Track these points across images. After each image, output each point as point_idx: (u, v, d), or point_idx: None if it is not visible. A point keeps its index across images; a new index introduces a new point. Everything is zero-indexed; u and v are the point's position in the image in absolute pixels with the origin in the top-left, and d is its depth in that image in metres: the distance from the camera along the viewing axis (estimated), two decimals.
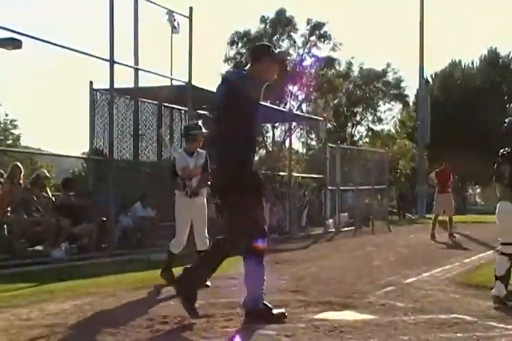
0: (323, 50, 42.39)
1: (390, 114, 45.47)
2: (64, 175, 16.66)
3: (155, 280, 7.61)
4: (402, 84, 44.52)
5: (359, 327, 4.80)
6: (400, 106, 45.04)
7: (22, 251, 9.59)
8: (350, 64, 43.74)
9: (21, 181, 11.16)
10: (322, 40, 41.97)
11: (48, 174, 11.90)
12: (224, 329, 4.70)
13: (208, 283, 6.67)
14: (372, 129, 45.36)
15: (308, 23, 41.79)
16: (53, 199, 11.02)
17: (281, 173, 19.93)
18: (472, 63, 45.24)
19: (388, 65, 44.35)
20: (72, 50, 10.21)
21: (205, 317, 5.14)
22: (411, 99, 44.18)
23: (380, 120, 45.40)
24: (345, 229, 18.42)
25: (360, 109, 45.13)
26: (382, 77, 44.25)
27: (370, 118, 45.59)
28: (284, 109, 22.84)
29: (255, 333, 4.59)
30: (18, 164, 11.42)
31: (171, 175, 7.50)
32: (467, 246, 12.83)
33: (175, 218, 7.58)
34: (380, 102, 45.08)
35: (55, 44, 9.87)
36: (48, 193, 11.18)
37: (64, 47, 10.07)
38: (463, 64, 45.51)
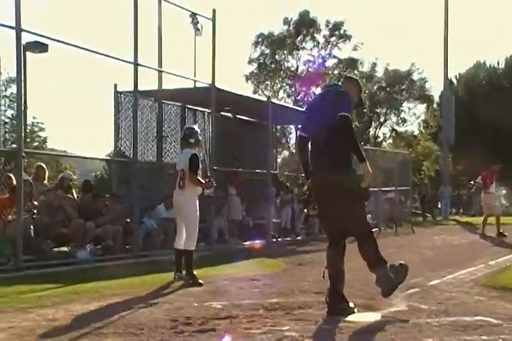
0: (345, 51, 42.34)
1: (413, 115, 45.20)
2: (87, 177, 16.80)
3: (179, 281, 7.66)
4: (427, 85, 44.28)
5: (383, 329, 4.78)
6: (424, 106, 44.73)
7: (48, 252, 9.68)
8: (374, 65, 43.59)
9: (46, 182, 11.29)
10: (342, 40, 41.91)
11: (73, 176, 12.01)
12: (247, 331, 4.71)
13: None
14: (395, 130, 45.11)
15: (327, 25, 41.76)
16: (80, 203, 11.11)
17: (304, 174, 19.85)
18: (498, 64, 44.79)
19: (413, 65, 44.07)
20: (96, 53, 10.30)
21: (229, 318, 5.16)
22: (435, 100, 43.86)
23: (404, 121, 45.15)
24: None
25: (384, 110, 44.89)
26: (406, 78, 43.96)
27: (394, 119, 45.37)
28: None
29: (279, 334, 4.59)
30: (42, 165, 11.56)
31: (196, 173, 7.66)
32: (494, 248, 12.71)
33: (191, 216, 7.72)
34: (404, 103, 44.82)
35: (80, 47, 9.96)
36: (73, 195, 11.29)
37: (89, 50, 10.15)
38: (488, 64, 45.07)
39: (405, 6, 79.12)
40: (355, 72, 42.66)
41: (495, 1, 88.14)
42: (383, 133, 46.05)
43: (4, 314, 5.50)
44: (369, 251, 5.37)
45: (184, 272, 7.63)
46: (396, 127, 45.31)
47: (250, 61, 42.89)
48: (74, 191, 11.52)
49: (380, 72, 44.07)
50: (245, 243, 13.70)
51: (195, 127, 8.18)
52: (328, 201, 5.43)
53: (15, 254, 8.64)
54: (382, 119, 45.16)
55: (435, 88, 43.81)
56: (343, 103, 5.38)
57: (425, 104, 44.53)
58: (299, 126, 5.59)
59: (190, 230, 7.69)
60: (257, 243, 13.84)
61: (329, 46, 42.42)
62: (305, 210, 15.82)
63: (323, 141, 5.43)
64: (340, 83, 5.87)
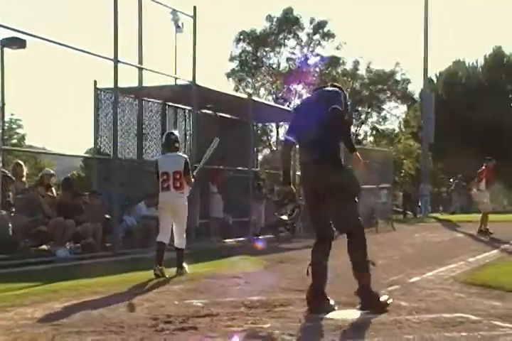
0: (327, 49, 42.42)
1: (394, 113, 45.41)
2: (66, 175, 16.69)
3: (159, 279, 7.64)
4: (409, 86, 44.45)
5: (363, 326, 4.80)
6: (405, 106, 44.94)
7: (26, 251, 9.61)
8: (357, 63, 43.69)
9: (24, 179, 11.19)
10: (326, 38, 41.99)
11: (52, 172, 11.91)
12: (228, 329, 4.70)
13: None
14: (376, 128, 45.30)
15: (311, 22, 41.80)
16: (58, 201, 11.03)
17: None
18: (476, 62, 45.10)
19: (397, 64, 44.18)
20: (76, 49, 10.22)
21: (209, 316, 5.15)
22: (417, 101, 44.04)
23: (384, 119, 45.35)
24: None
25: (365, 108, 45.05)
26: (389, 78, 44.08)
27: (375, 117, 45.55)
28: (288, 108, 22.82)
29: (259, 332, 4.59)
30: (20, 162, 11.46)
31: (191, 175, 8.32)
32: (473, 245, 12.81)
33: (185, 216, 8.35)
34: (386, 101, 44.98)
35: (59, 43, 9.87)
36: (53, 192, 11.19)
37: (68, 46, 10.07)
38: (467, 63, 45.37)
39: (387, 5, 79.42)
40: (338, 70, 42.81)
41: (475, 0, 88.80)
42: (364, 131, 46.23)
43: None
44: (358, 250, 5.39)
45: (176, 269, 8.10)
46: (377, 125, 45.51)
47: (232, 58, 42.84)
48: (53, 189, 11.43)
49: (363, 71, 44.20)
50: (226, 240, 13.69)
51: (176, 132, 8.84)
52: (320, 198, 5.43)
53: None
54: (363, 117, 45.33)
55: (416, 86, 44.09)
56: (334, 99, 5.44)
57: (406, 104, 44.72)
58: (284, 125, 5.64)
59: (183, 229, 8.27)
60: (239, 240, 13.84)
61: (312, 44, 42.49)
62: (276, 213, 15.77)
63: (314, 139, 5.45)
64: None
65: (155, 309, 5.56)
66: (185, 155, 8.44)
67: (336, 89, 5.73)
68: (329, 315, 5.16)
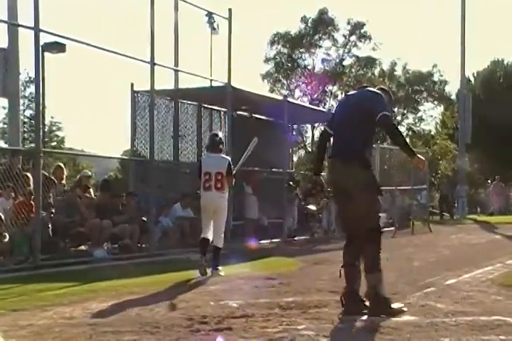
0: (363, 50, 42.16)
1: (431, 114, 44.91)
2: (103, 176, 16.91)
3: (195, 280, 7.70)
4: (447, 88, 43.91)
5: (399, 328, 4.76)
6: (442, 108, 44.38)
7: (65, 251, 9.77)
8: (394, 64, 43.33)
9: (64, 182, 11.38)
10: (362, 40, 41.73)
11: (89, 173, 12.10)
12: (263, 330, 4.72)
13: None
14: (412, 129, 44.85)
15: (348, 23, 41.59)
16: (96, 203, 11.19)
17: (321, 173, 19.81)
18: None
19: (435, 66, 43.69)
20: (113, 52, 10.37)
21: (244, 317, 5.17)
22: (455, 102, 43.49)
23: (421, 120, 44.87)
24: (385, 229, 18.20)
25: (401, 109, 44.64)
26: (427, 78, 43.61)
27: (412, 118, 45.10)
28: (323, 109, 22.79)
29: (294, 333, 4.60)
30: (61, 164, 11.66)
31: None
32: (510, 247, 12.62)
33: (225, 216, 8.60)
34: (423, 102, 44.50)
35: (97, 47, 10.03)
36: (91, 194, 11.36)
37: (106, 49, 10.23)
38: (505, 62, 44.66)
39: (423, 5, 78.60)
40: (374, 71, 42.51)
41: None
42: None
43: (23, 312, 5.56)
44: (371, 249, 5.36)
45: (211, 269, 8.21)
46: (413, 126, 45.05)
47: (266, 60, 42.85)
48: (92, 190, 11.60)
49: (399, 72, 43.79)
50: (261, 242, 13.72)
51: (220, 133, 8.98)
52: (344, 197, 5.44)
53: (33, 253, 8.72)
54: (399, 118, 44.93)
55: (453, 86, 43.51)
56: (377, 103, 5.41)
57: (443, 106, 44.16)
58: (319, 125, 5.65)
59: (222, 228, 8.47)
60: (273, 241, 13.86)
61: (348, 45, 42.26)
62: (302, 203, 15.64)
63: (344, 136, 5.49)
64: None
65: (190, 309, 5.60)
66: (228, 157, 8.61)
67: (379, 91, 5.68)
68: (364, 317, 5.14)
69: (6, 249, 8.95)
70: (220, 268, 8.31)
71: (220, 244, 8.39)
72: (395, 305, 5.34)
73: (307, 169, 25.95)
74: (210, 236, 8.38)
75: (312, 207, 14.76)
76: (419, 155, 5.43)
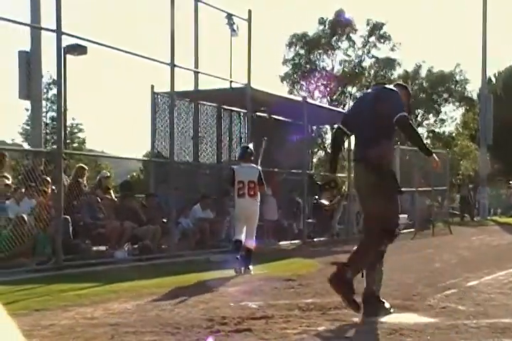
0: (383, 51, 42.00)
1: (452, 116, 44.60)
2: (124, 177, 17.02)
3: (215, 281, 7.73)
4: (468, 87, 43.56)
5: (419, 330, 4.75)
6: (463, 109, 44.05)
7: (87, 252, 9.84)
8: (419, 67, 43.08)
9: (85, 182, 11.48)
10: (382, 40, 41.58)
11: (108, 174, 12.19)
12: (282, 331, 4.73)
13: None
14: (433, 131, 44.57)
15: (367, 24, 41.46)
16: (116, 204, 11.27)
17: (340, 175, 19.81)
18: None
19: (457, 66, 43.39)
20: (134, 54, 10.44)
21: (264, 318, 5.18)
22: (476, 102, 43.16)
23: (442, 121, 44.56)
24: (405, 231, 18.18)
25: (422, 111, 44.37)
26: (449, 79, 43.29)
27: (432, 119, 44.80)
28: (342, 110, 22.71)
29: (313, 334, 4.60)
30: (83, 165, 11.76)
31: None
32: None
33: (257, 220, 9.29)
34: (445, 104, 44.17)
35: (118, 49, 10.11)
36: (111, 195, 11.44)
37: (126, 51, 10.30)
38: None
39: (444, 5, 78.18)
40: (394, 72, 42.31)
41: None
42: (420, 134, 45.46)
43: (46, 312, 5.62)
44: (370, 247, 5.33)
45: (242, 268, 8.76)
46: (433, 128, 44.76)
47: (285, 61, 42.84)
48: (112, 191, 11.68)
49: (422, 73, 43.50)
50: (281, 243, 13.72)
51: (251, 145, 9.67)
52: (367, 199, 5.43)
53: (55, 253, 8.80)
54: (420, 119, 44.66)
55: (474, 86, 43.12)
56: (394, 102, 5.37)
57: (464, 107, 43.82)
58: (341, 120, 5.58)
59: (253, 231, 9.11)
60: (293, 243, 13.85)
61: (367, 46, 42.13)
62: (316, 197, 15.64)
63: (362, 137, 5.47)
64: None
65: (210, 310, 5.63)
66: (259, 167, 9.28)
67: (395, 89, 5.61)
68: (384, 319, 5.14)
69: (29, 250, 9.04)
70: (251, 267, 8.84)
71: (251, 245, 9.02)
72: (386, 305, 5.37)
73: (326, 170, 25.89)
74: (242, 238, 9.00)
75: (325, 202, 14.67)
76: (435, 156, 5.44)
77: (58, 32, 8.92)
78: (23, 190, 9.72)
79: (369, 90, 6.05)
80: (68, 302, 6.12)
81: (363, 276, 5.39)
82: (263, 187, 9.20)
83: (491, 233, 18.28)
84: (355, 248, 5.41)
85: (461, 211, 27.30)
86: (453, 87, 43.26)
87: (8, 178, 10.12)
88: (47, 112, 31.39)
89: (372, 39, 41.89)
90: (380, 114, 5.30)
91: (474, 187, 28.92)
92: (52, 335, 4.66)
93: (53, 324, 5.04)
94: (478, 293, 6.65)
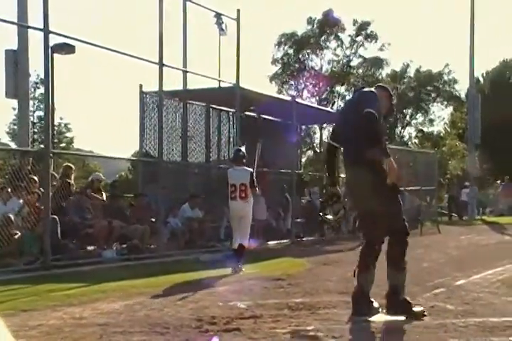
0: (371, 51, 42.14)
1: (440, 115, 44.83)
2: (112, 177, 16.96)
3: (204, 280, 7.71)
4: (456, 86, 43.78)
5: (408, 329, 4.76)
6: (451, 108, 44.27)
7: (74, 252, 9.80)
8: (407, 66, 43.25)
9: (72, 182, 11.42)
10: (369, 40, 41.70)
11: (102, 177, 12.16)
12: (272, 331, 4.72)
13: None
14: (422, 130, 44.76)
15: (354, 24, 41.59)
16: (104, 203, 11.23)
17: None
18: None
19: (446, 66, 43.56)
20: (122, 53, 10.40)
21: (253, 318, 5.18)
22: (465, 102, 43.36)
23: (431, 121, 44.75)
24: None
25: (410, 110, 44.55)
26: (437, 78, 43.48)
27: (421, 119, 44.99)
28: (331, 110, 22.78)
29: (302, 334, 4.60)
30: (70, 165, 11.70)
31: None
32: None
33: (250, 221, 9.42)
34: (434, 103, 44.36)
35: (106, 48, 10.07)
36: (102, 196, 11.38)
37: (114, 51, 10.26)
38: None
39: (431, 4, 78.37)
40: (382, 71, 42.47)
41: None
42: (409, 133, 45.70)
43: (33, 312, 5.59)
44: (396, 250, 5.31)
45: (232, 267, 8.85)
46: (422, 127, 44.96)
47: (274, 61, 42.87)
48: (103, 193, 11.64)
49: (411, 73, 43.69)
50: (269, 242, 13.72)
51: (243, 148, 9.62)
52: (364, 202, 5.41)
53: (43, 253, 8.75)
54: (408, 119, 44.85)
55: (462, 86, 43.33)
56: (367, 101, 5.34)
57: (453, 106, 44.04)
58: (327, 126, 5.60)
59: (246, 231, 9.31)
60: (281, 243, 13.85)
61: (354, 46, 42.26)
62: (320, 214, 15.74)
63: (349, 141, 5.45)
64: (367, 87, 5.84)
65: (199, 310, 5.62)
66: (251, 169, 9.30)
67: (372, 89, 5.62)
68: (373, 318, 5.14)
69: (16, 250, 8.98)
70: (241, 265, 8.93)
71: (244, 242, 9.22)
72: (415, 309, 5.30)
73: (315, 170, 25.91)
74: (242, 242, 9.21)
75: (330, 217, 14.71)
76: (392, 161, 5.22)
77: (45, 31, 8.87)
78: (9, 190, 9.66)
79: (351, 97, 6.04)
80: (56, 302, 6.09)
81: (354, 276, 5.38)
82: (254, 190, 9.24)
83: (479, 232, 18.36)
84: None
85: (449, 210, 27.39)
86: (441, 86, 43.49)
87: None
88: (34, 111, 31.23)
89: (360, 38, 42.02)
90: (359, 114, 5.24)
91: (462, 186, 29.01)
92: (40, 335, 4.64)
93: (41, 324, 5.01)
94: (467, 292, 6.67)
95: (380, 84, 6.32)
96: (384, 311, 5.24)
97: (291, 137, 15.21)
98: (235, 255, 9.08)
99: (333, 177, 5.89)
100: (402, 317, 5.10)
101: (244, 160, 9.35)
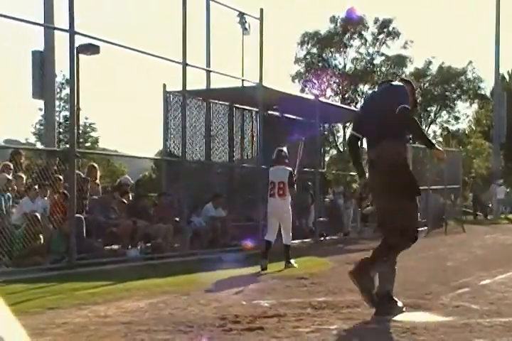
0: (394, 48, 41.88)
1: (465, 113, 44.38)
2: (135, 177, 17.06)
3: (227, 279, 7.74)
4: (482, 84, 43.32)
5: (432, 328, 4.73)
6: (476, 106, 43.81)
7: (99, 250, 9.89)
8: (429, 63, 42.89)
9: (98, 181, 11.53)
10: (391, 37, 41.43)
11: (131, 181, 12.26)
12: (295, 330, 4.72)
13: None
14: (447, 128, 44.37)
15: (375, 22, 41.37)
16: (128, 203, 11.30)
17: (353, 173, 19.78)
18: None
19: (470, 63, 43.13)
20: (146, 53, 10.47)
21: (277, 316, 5.19)
22: (490, 100, 42.90)
23: (456, 119, 44.33)
24: (418, 229, 18.10)
25: (435, 108, 44.16)
26: (460, 75, 43.07)
27: (446, 117, 44.58)
28: (355, 108, 22.67)
29: (326, 333, 4.60)
30: (95, 164, 11.81)
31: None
32: None
33: (290, 218, 9.70)
34: (458, 101, 43.94)
35: (130, 48, 10.14)
36: (129, 199, 11.45)
37: (139, 51, 10.33)
38: None
39: (457, 2, 77.60)
40: (405, 69, 42.16)
41: None
42: (433, 131, 45.37)
43: (59, 310, 5.65)
44: (388, 247, 5.30)
45: (284, 263, 9.35)
46: (447, 125, 44.56)
47: (297, 60, 42.80)
48: (130, 195, 11.71)
49: (434, 70, 43.27)
50: (292, 241, 13.68)
51: (285, 148, 9.90)
52: (382, 198, 5.40)
53: (69, 252, 8.85)
54: (432, 117, 44.48)
55: (487, 83, 42.84)
56: (399, 96, 5.31)
57: (478, 104, 43.56)
58: (350, 125, 5.60)
59: (288, 228, 9.61)
60: (304, 241, 13.84)
61: (377, 44, 42.03)
62: (359, 209, 15.94)
63: (373, 136, 5.42)
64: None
65: (223, 309, 5.63)
66: (290, 168, 9.60)
67: (401, 84, 5.58)
68: (397, 318, 5.12)
69: (44, 249, 9.09)
70: (292, 261, 9.42)
71: (288, 242, 9.56)
72: (399, 304, 5.34)
73: (338, 169, 25.85)
74: (272, 238, 9.46)
75: (369, 208, 14.90)
76: (438, 147, 5.31)
77: (71, 32, 8.96)
78: (37, 188, 9.78)
79: (376, 89, 6.00)
80: (81, 300, 6.15)
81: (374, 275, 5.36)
82: (292, 188, 9.52)
83: (504, 231, 18.18)
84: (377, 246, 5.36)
85: (474, 209, 27.17)
86: (465, 84, 43.04)
87: (22, 178, 10.17)
88: (60, 112, 31.43)
89: (382, 36, 41.77)
90: (388, 110, 5.22)
91: (487, 185, 28.75)
92: (66, 333, 4.69)
93: (67, 322, 5.06)
94: (492, 292, 6.62)
95: (404, 77, 6.28)
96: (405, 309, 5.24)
97: (317, 136, 15.20)
98: (285, 255, 9.44)
99: (361, 167, 5.81)
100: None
101: (286, 160, 9.67)
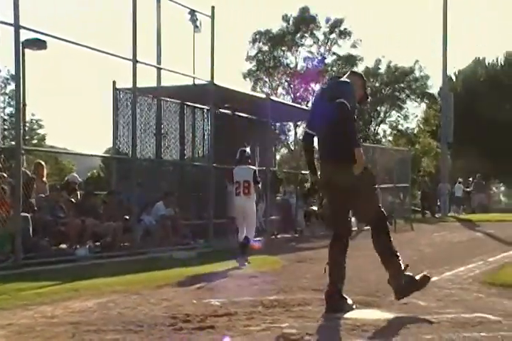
0: (345, 48, 42.34)
1: (413, 112, 45.15)
2: (84, 174, 16.82)
3: (178, 278, 7.68)
4: (429, 82, 44.11)
5: (381, 325, 4.79)
6: (424, 105, 44.60)
7: (47, 250, 9.69)
8: (378, 62, 43.48)
9: (45, 179, 11.30)
10: (342, 37, 41.87)
11: (79, 179, 12.06)
12: (246, 328, 4.71)
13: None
14: (397, 128, 45.05)
15: (326, 22, 41.75)
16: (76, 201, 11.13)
17: (304, 172, 19.88)
18: (497, 60, 44.73)
19: (416, 62, 43.85)
20: (95, 50, 10.30)
21: (228, 315, 5.16)
22: (437, 98, 43.70)
23: (405, 118, 45.04)
24: (367, 227, 18.29)
25: (385, 107, 44.80)
26: (409, 74, 43.78)
27: (395, 116, 45.27)
28: (306, 107, 22.76)
29: (277, 331, 4.59)
30: (41, 162, 11.59)
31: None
32: (492, 245, 12.73)
33: (254, 216, 10.08)
34: (407, 100, 44.65)
35: (79, 44, 9.95)
36: (77, 197, 11.26)
37: (87, 47, 10.15)
38: (487, 61, 45.00)
39: (405, 3, 78.81)
40: (355, 68, 42.60)
41: None
42: (383, 131, 46.02)
43: (3, 311, 5.51)
44: (384, 241, 5.57)
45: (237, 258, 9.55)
46: (396, 124, 45.23)
47: (248, 58, 42.85)
48: (78, 193, 11.52)
49: (383, 69, 43.89)
50: None
51: (248, 149, 10.47)
52: (334, 195, 5.43)
53: (14, 251, 8.64)
54: (382, 116, 45.10)
55: (434, 82, 43.67)
56: (341, 91, 5.32)
57: (426, 103, 44.37)
58: (304, 124, 5.64)
59: (253, 225, 10.06)
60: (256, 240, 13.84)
61: (328, 43, 42.40)
62: (313, 208, 16.13)
63: (326, 134, 5.43)
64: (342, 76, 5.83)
65: (173, 308, 5.59)
66: (254, 167, 10.24)
67: (348, 80, 5.59)
68: (347, 315, 5.15)
69: None
70: (248, 258, 9.58)
71: (250, 235, 9.91)
72: (418, 277, 5.56)
73: (290, 167, 25.96)
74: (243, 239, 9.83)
75: (314, 208, 15.03)
76: (359, 151, 5.16)
77: (16, 25, 8.74)
78: None
79: (324, 86, 5.98)
80: (27, 301, 6.00)
81: (325, 272, 5.39)
82: (257, 186, 10.05)
83: (451, 229, 18.54)
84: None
85: (422, 207, 27.65)
86: (413, 83, 43.81)
87: None
88: (4, 108, 30.80)
89: (333, 36, 42.17)
90: (331, 107, 5.22)
91: (435, 184, 29.32)
92: (11, 335, 4.57)
93: (11, 323, 4.94)
94: (439, 289, 6.74)
95: (354, 70, 6.32)
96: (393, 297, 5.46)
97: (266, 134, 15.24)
98: (241, 248, 9.74)
99: (313, 165, 5.81)
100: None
101: (249, 160, 10.17)
